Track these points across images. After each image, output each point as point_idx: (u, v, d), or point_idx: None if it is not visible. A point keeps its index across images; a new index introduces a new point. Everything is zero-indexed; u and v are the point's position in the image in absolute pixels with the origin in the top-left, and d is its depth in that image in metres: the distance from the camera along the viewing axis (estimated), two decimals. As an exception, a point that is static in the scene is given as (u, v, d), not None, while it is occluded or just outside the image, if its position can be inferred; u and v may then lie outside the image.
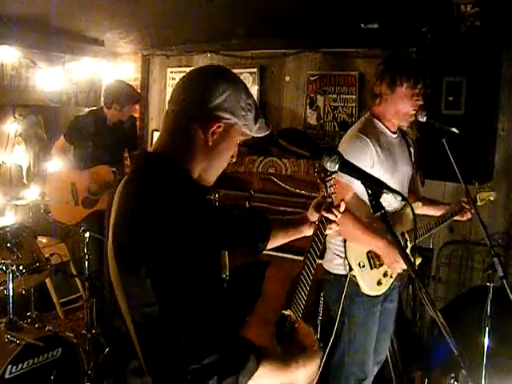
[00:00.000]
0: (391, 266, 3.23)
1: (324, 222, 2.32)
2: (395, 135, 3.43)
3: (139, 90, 7.27)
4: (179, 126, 1.90)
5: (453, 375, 3.48)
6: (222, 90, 1.86)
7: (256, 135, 1.99)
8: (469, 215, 3.58)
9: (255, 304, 2.13)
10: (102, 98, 5.69)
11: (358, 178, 1.93)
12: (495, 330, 3.21)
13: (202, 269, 1.74)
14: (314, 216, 2.39)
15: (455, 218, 3.60)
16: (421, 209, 3.61)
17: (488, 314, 3.20)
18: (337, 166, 1.94)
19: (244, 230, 2.41)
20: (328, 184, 2.25)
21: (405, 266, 3.12)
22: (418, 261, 3.51)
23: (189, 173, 1.89)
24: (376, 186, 1.86)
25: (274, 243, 2.47)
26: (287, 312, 2.23)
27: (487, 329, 3.20)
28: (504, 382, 3.63)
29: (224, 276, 3.62)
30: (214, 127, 1.86)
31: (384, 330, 3.57)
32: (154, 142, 1.96)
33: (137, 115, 6.98)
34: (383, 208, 1.84)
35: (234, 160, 2.01)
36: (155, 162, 1.88)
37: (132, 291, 1.73)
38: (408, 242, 3.35)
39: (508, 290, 3.01)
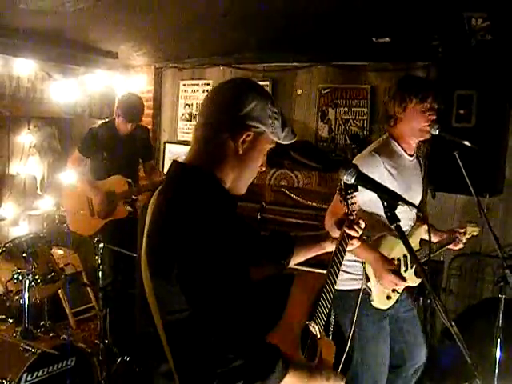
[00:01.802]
0: (380, 280, 3.22)
1: (346, 239, 2.36)
2: (412, 158, 3.46)
3: (151, 103, 7.35)
4: (210, 137, 1.95)
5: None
6: (250, 100, 1.91)
7: (284, 143, 2.02)
8: (461, 245, 3.63)
9: (281, 314, 2.16)
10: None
11: (373, 191, 1.97)
12: (506, 342, 3.23)
13: (231, 276, 1.78)
14: (335, 232, 2.42)
15: (448, 246, 3.64)
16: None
17: (500, 325, 3.22)
18: (353, 178, 2.00)
19: (268, 247, 2.46)
20: (349, 201, 2.29)
21: (397, 283, 3.16)
22: (418, 281, 3.51)
23: (221, 183, 1.94)
24: (391, 199, 1.91)
25: (296, 260, 2.51)
26: (311, 323, 2.27)
27: (499, 340, 3.21)
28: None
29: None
30: (244, 136, 1.91)
31: (414, 337, 3.60)
32: (186, 153, 2.03)
33: (149, 127, 7.05)
34: (399, 220, 1.88)
35: (264, 169, 2.05)
36: (188, 173, 1.94)
37: (164, 297, 1.79)
38: (408, 264, 3.38)
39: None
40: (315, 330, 2.26)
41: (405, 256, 3.35)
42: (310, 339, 2.26)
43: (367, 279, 3.25)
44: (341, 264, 2.37)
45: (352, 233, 2.34)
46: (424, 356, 3.65)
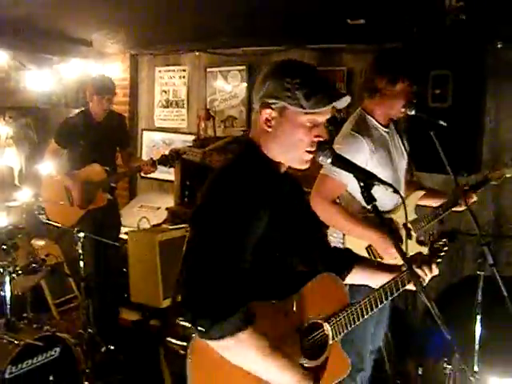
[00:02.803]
0: (385, 256, 3.27)
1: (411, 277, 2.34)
2: (387, 128, 3.46)
3: (128, 90, 7.32)
4: (254, 117, 2.17)
5: (446, 359, 3.53)
6: (264, 81, 2.06)
7: (314, 111, 2.00)
8: (474, 198, 3.65)
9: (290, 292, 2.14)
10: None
11: (350, 171, 1.98)
12: (486, 318, 3.27)
13: (237, 237, 1.92)
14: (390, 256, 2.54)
15: (455, 209, 3.63)
16: (420, 199, 3.65)
17: (479, 301, 3.25)
18: (329, 159, 2.00)
19: (325, 256, 2.48)
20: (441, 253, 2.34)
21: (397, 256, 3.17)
22: (425, 250, 3.53)
23: (266, 156, 2.12)
24: (367, 179, 1.93)
25: (354, 280, 2.50)
26: (325, 325, 2.20)
27: (478, 317, 3.25)
28: (494, 368, 3.69)
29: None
30: (266, 114, 2.05)
31: (379, 321, 3.60)
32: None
33: (126, 114, 7.01)
34: (375, 199, 1.90)
35: (323, 138, 2.05)
36: (244, 146, 2.18)
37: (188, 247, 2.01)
38: (412, 232, 3.39)
39: (498, 278, 3.07)
40: (328, 334, 2.19)
41: (405, 225, 3.35)
42: (318, 339, 2.19)
43: None
44: (391, 295, 2.36)
45: (421, 272, 2.40)
46: (381, 340, 3.66)
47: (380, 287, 2.36)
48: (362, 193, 1.91)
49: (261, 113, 2.05)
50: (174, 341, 2.02)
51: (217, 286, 1.81)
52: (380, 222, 1.96)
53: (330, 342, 2.21)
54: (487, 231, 4.96)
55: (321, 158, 2.01)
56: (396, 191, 1.95)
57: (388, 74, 3.31)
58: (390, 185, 1.92)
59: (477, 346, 3.26)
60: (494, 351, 3.69)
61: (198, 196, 2.10)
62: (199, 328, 1.79)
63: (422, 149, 3.70)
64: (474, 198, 3.65)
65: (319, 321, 2.20)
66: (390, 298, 2.36)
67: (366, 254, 3.30)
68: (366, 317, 2.31)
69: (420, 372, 4.29)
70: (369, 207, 1.92)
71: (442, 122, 3.35)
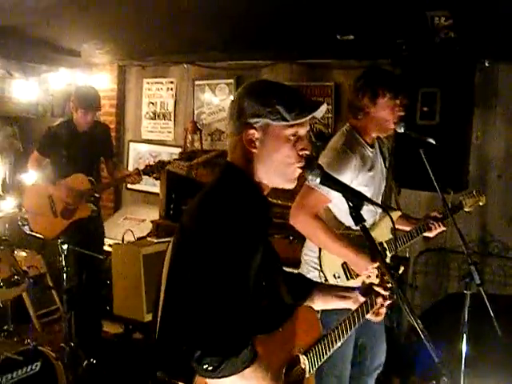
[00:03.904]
0: (361, 274, 3.24)
1: (369, 305, 2.43)
2: (372, 149, 3.43)
3: (115, 101, 7.28)
4: (231, 141, 2.07)
5: (434, 382, 3.51)
6: (241, 102, 2.00)
7: (299, 121, 1.98)
8: (439, 229, 3.61)
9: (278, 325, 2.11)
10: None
11: (339, 191, 1.96)
12: (472, 337, 3.26)
13: (239, 274, 1.86)
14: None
15: (424, 234, 3.62)
16: (396, 222, 3.63)
17: (466, 320, 3.24)
18: (318, 179, 1.97)
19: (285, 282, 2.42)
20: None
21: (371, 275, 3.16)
22: (401, 270, 3.52)
23: (253, 180, 2.04)
24: (357, 199, 1.91)
25: (315, 306, 2.49)
26: (303, 358, 2.19)
27: (465, 335, 3.24)
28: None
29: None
30: (250, 136, 1.98)
31: (375, 335, 3.56)
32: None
33: (113, 126, 6.98)
34: (364, 220, 1.88)
35: (307, 152, 2.02)
36: (225, 168, 2.10)
37: (176, 271, 1.96)
38: (387, 252, 3.38)
39: (485, 298, 3.06)
40: (305, 367, 2.18)
41: (380, 244, 3.36)
42: (297, 373, 2.17)
43: (325, 280, 3.27)
44: (355, 324, 2.40)
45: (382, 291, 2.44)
46: (383, 354, 3.65)
47: (350, 313, 2.41)
48: (351, 213, 1.89)
49: (244, 135, 1.98)
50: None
51: (225, 323, 1.78)
52: (368, 241, 1.94)
53: (307, 375, 2.20)
54: (472, 249, 4.96)
55: (310, 177, 1.98)
56: (385, 210, 1.93)
57: (367, 89, 3.28)
58: (379, 205, 1.91)
59: (463, 366, 3.24)
60: (480, 370, 3.67)
61: (185, 216, 2.03)
62: (205, 366, 1.73)
63: (409, 166, 3.70)
64: (442, 228, 3.62)
65: (298, 354, 2.18)
66: (359, 323, 2.41)
67: (341, 271, 3.30)
68: (338, 345, 2.32)
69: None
70: (357, 228, 1.90)
71: (431, 140, 3.34)
